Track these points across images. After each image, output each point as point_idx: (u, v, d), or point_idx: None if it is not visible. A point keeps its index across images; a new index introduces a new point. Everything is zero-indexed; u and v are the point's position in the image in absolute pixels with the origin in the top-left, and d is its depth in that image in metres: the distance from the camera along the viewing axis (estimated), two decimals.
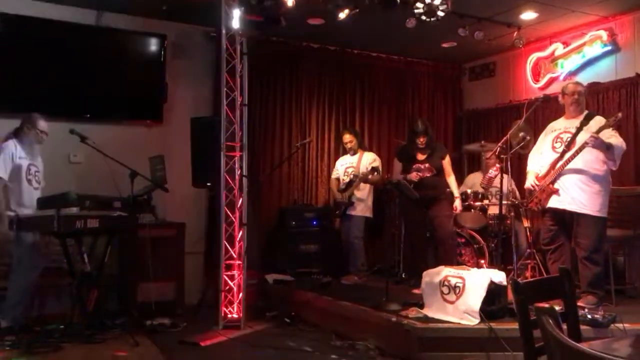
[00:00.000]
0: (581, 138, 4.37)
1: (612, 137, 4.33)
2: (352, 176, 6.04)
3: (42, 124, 4.75)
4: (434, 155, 5.40)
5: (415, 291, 4.92)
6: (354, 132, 6.34)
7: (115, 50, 5.90)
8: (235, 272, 4.90)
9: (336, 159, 6.61)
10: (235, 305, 4.88)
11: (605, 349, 1.61)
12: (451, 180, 5.48)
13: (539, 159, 4.72)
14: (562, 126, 4.66)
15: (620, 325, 3.85)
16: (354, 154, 6.20)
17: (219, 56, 5.24)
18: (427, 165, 5.35)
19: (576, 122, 4.49)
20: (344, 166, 6.24)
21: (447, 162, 5.48)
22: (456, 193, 5.47)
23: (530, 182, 4.71)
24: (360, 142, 6.29)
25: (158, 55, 6.05)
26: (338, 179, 6.24)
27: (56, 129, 5.02)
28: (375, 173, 5.82)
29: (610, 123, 4.26)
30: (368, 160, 6.07)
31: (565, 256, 4.60)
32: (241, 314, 4.84)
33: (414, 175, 5.29)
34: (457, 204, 5.44)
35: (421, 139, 5.37)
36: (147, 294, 5.09)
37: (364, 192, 6.02)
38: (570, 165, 4.43)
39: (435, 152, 5.44)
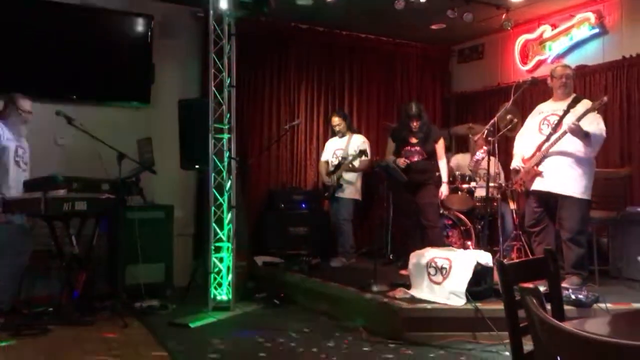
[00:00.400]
0: (568, 121, 4.41)
1: (592, 123, 4.35)
2: (340, 159, 6.04)
3: (25, 103, 4.64)
4: (427, 139, 5.40)
5: (403, 272, 4.97)
6: (342, 115, 6.30)
7: (101, 31, 5.82)
8: (225, 255, 4.91)
9: (325, 141, 6.60)
10: (224, 287, 4.90)
11: (586, 327, 1.64)
12: (442, 164, 5.47)
13: (526, 140, 4.76)
14: (549, 108, 4.69)
15: (603, 305, 3.93)
16: (343, 136, 6.19)
17: (206, 37, 5.18)
18: (417, 148, 5.36)
19: (564, 105, 4.53)
20: (333, 148, 6.22)
21: (440, 146, 5.46)
22: (444, 178, 5.46)
23: (515, 163, 4.76)
24: (349, 125, 6.26)
25: (145, 36, 5.98)
26: (327, 162, 6.23)
27: (42, 111, 4.96)
28: (363, 157, 5.82)
29: (595, 106, 4.29)
30: (357, 142, 6.05)
31: (549, 238, 4.67)
32: (230, 296, 4.87)
33: (401, 162, 5.30)
34: (444, 189, 5.44)
35: (414, 123, 5.37)
36: (136, 276, 5.09)
37: (352, 175, 6.01)
38: (555, 148, 4.47)
39: (429, 135, 5.42)
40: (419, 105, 5.51)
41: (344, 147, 6.11)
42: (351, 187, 6.01)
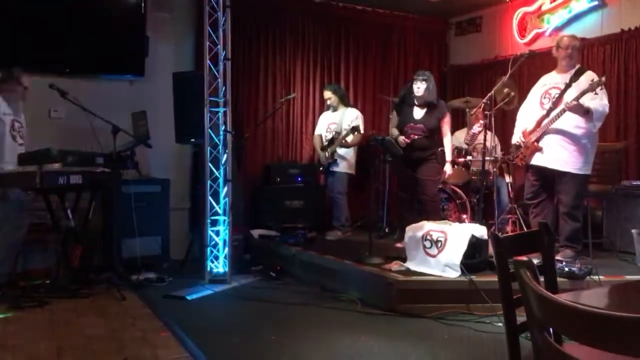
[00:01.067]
0: (569, 96, 4.36)
1: (595, 98, 4.31)
2: (334, 133, 6.01)
3: (26, 79, 4.62)
4: (431, 115, 5.19)
5: (399, 245, 5.00)
6: (333, 89, 6.19)
7: (94, 3, 5.73)
8: (221, 228, 4.93)
9: (321, 114, 6.57)
10: (220, 260, 4.93)
11: (577, 299, 1.66)
12: (446, 141, 5.25)
13: (528, 113, 4.73)
14: (552, 81, 4.63)
15: (595, 278, 3.97)
16: (335, 110, 6.13)
17: (201, 9, 5.11)
18: (420, 125, 5.19)
19: (566, 78, 4.48)
20: (327, 122, 6.19)
21: (445, 122, 5.24)
22: (448, 156, 5.26)
23: (516, 137, 4.74)
24: (341, 98, 6.16)
25: (138, 8, 5.88)
26: (320, 136, 6.21)
27: (35, 84, 4.89)
28: (356, 133, 5.78)
29: (594, 86, 4.22)
30: (350, 117, 5.99)
31: (546, 211, 4.69)
32: (227, 269, 4.90)
33: (401, 141, 5.19)
34: (447, 168, 5.25)
35: (419, 84, 5.11)
36: (133, 249, 5.12)
37: (346, 149, 5.98)
38: (555, 124, 4.45)
39: (434, 111, 5.20)
40: (427, 72, 5.30)
41: (337, 121, 6.07)
42: (345, 162, 6.00)
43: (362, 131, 5.91)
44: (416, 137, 5.19)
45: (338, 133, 5.95)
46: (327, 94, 6.16)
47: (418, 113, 5.25)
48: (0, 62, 4.83)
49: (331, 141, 5.99)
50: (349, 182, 6.12)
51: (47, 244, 4.96)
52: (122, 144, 4.70)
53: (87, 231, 4.80)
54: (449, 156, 5.29)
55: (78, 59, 5.62)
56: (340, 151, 5.97)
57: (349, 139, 5.86)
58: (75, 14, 5.58)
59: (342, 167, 6.00)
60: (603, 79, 4.28)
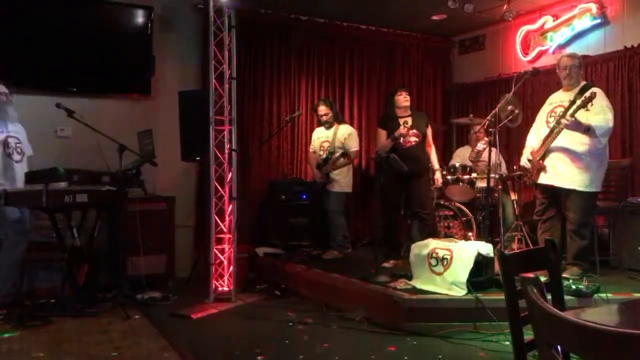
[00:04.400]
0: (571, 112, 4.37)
1: (598, 114, 4.31)
2: (327, 153, 5.89)
3: None
4: (418, 121, 5.45)
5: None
6: (329, 103, 6.08)
7: (101, 23, 5.79)
8: (226, 246, 4.92)
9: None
10: (225, 278, 4.92)
11: (585, 317, 1.65)
12: (432, 151, 5.53)
13: (535, 133, 4.76)
14: (557, 100, 4.66)
15: (603, 295, 3.94)
16: (330, 127, 5.99)
17: (206, 29, 5.16)
18: (414, 131, 5.36)
19: (571, 96, 4.48)
20: (320, 139, 6.06)
21: (430, 131, 5.53)
22: (436, 165, 5.50)
23: (524, 158, 4.75)
24: (336, 115, 6.06)
25: (145, 28, 5.96)
26: (315, 153, 6.12)
27: (42, 103, 4.96)
28: (344, 158, 5.80)
29: (585, 102, 4.18)
30: (343, 134, 5.90)
31: (555, 227, 4.68)
32: (232, 287, 4.88)
33: (402, 129, 5.27)
34: (438, 176, 5.46)
35: (403, 94, 5.44)
36: (138, 267, 5.11)
37: (341, 170, 5.87)
38: (557, 142, 4.45)
39: (420, 118, 5.51)
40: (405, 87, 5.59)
41: (330, 139, 5.95)
42: (340, 181, 5.88)
43: (357, 148, 6.02)
44: (412, 144, 5.32)
45: (331, 153, 5.85)
46: (324, 109, 5.98)
47: (407, 120, 5.44)
48: (7, 80, 4.86)
49: (325, 161, 5.88)
50: (346, 200, 6.03)
51: (52, 263, 4.96)
52: (128, 162, 4.72)
53: (92, 250, 4.80)
54: (436, 165, 5.51)
55: (85, 78, 5.68)
56: (335, 172, 5.86)
57: (340, 162, 5.82)
58: (82, 34, 5.65)
59: (337, 187, 5.87)
60: (587, 94, 4.23)
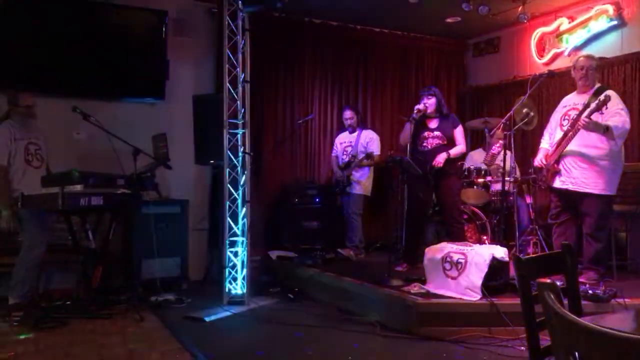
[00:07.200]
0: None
1: (615, 115, 4.27)
2: (350, 156, 6.14)
3: (24, 98, 4.62)
4: (446, 123, 5.18)
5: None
6: (355, 110, 6.38)
7: (115, 27, 5.85)
8: (239, 249, 4.93)
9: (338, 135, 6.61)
10: (239, 281, 4.93)
11: (603, 322, 1.62)
12: (459, 147, 5.18)
13: (549, 136, 4.71)
14: (571, 102, 4.61)
15: (621, 300, 3.88)
16: (353, 131, 6.23)
17: (220, 32, 5.19)
18: (437, 133, 5.15)
19: (585, 98, 4.44)
20: (343, 144, 6.31)
21: (458, 132, 5.20)
22: (451, 153, 5.11)
23: (538, 160, 4.70)
24: (359, 120, 6.34)
25: (159, 32, 6.00)
26: (337, 157, 6.32)
27: (58, 107, 5.00)
28: (369, 159, 5.98)
29: (599, 105, 4.15)
30: (366, 139, 6.15)
31: (570, 231, 4.62)
32: (245, 290, 4.89)
33: (420, 105, 5.07)
34: (441, 157, 5.06)
35: (425, 100, 5.10)
36: (152, 270, 5.14)
37: (362, 173, 6.12)
38: (572, 146, 4.41)
39: (448, 120, 5.20)
40: (431, 87, 5.37)
41: (353, 142, 6.19)
42: (361, 184, 6.13)
43: (378, 152, 6.07)
44: (434, 145, 5.14)
45: (354, 157, 6.02)
46: (349, 113, 6.28)
47: (433, 123, 5.24)
48: (23, 85, 4.93)
49: (347, 164, 6.07)
50: (364, 203, 6.20)
51: (68, 265, 5.02)
52: (143, 165, 4.75)
53: (107, 252, 4.83)
54: (451, 152, 5.12)
55: (100, 83, 5.73)
56: (356, 174, 6.06)
57: (365, 162, 6.02)
58: (97, 39, 5.71)
59: (357, 189, 6.12)
60: (602, 97, 4.19)
